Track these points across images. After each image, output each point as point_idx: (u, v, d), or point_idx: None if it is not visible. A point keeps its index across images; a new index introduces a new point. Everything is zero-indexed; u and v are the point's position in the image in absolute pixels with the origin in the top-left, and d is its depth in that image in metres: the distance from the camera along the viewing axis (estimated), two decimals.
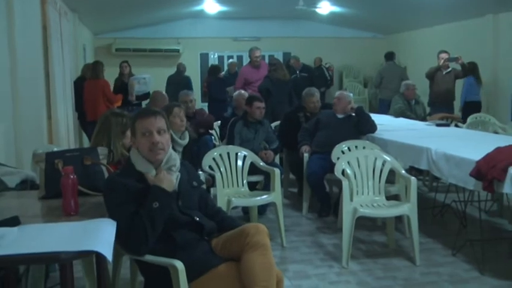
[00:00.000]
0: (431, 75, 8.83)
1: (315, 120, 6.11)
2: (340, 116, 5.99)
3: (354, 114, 5.99)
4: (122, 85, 9.12)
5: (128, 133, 3.46)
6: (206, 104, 13.30)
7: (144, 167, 2.70)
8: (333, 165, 4.86)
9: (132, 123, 2.79)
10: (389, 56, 10.59)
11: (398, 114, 7.73)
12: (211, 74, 10.40)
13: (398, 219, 4.99)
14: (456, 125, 7.29)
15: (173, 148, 2.86)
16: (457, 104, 9.14)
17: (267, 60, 9.94)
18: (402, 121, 7.29)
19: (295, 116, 6.49)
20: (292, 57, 12.79)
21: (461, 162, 4.23)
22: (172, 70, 11.84)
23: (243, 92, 7.00)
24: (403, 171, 4.68)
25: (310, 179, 5.64)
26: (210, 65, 11.52)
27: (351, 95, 6.29)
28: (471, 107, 8.73)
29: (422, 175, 7.09)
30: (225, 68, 13.18)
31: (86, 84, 8.23)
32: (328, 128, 5.89)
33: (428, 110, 8.59)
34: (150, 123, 2.70)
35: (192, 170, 3.02)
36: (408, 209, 4.33)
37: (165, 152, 2.73)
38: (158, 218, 2.55)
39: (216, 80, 10.05)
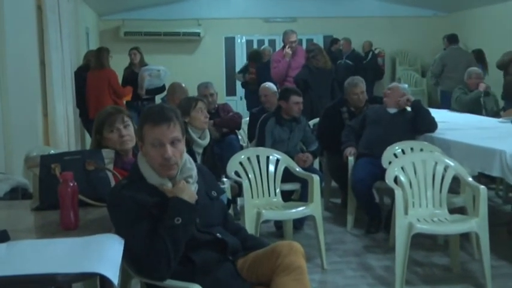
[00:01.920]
0: (505, 64, 8.71)
1: (361, 116, 6.07)
2: (392, 110, 5.95)
3: (408, 108, 5.94)
4: (132, 76, 9.19)
5: (109, 135, 3.47)
6: (230, 98, 13.41)
7: (156, 180, 2.69)
8: (383, 170, 4.82)
9: (139, 126, 2.74)
10: (453, 39, 10.47)
11: (462, 108, 7.65)
12: (255, 59, 10.51)
13: (465, 237, 4.93)
14: None
15: (191, 151, 2.86)
16: None
17: (304, 46, 9.93)
18: (469, 117, 7.21)
19: (337, 111, 6.46)
20: (342, 39, 12.75)
21: None
22: (192, 57, 11.86)
23: (268, 84, 6.97)
24: (470, 179, 4.62)
25: (356, 187, 5.61)
26: (249, 51, 11.58)
27: (406, 86, 6.24)
28: None
29: (495, 183, 6.99)
30: None
31: (89, 75, 8.33)
32: (378, 125, 5.86)
33: (502, 104, 8.47)
34: (162, 134, 2.64)
35: (209, 175, 3.02)
36: (476, 224, 4.27)
37: (179, 165, 2.71)
38: (181, 236, 2.56)
39: (265, 65, 10.08)
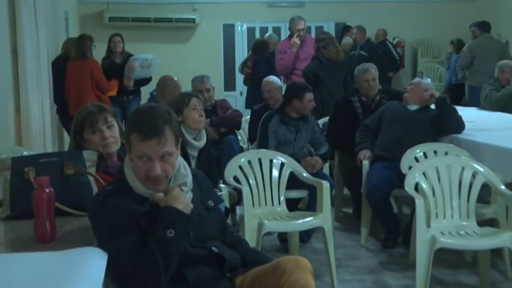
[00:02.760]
0: None
1: (378, 114, 6.07)
2: (412, 108, 5.95)
3: (432, 106, 5.93)
4: (113, 67, 9.15)
5: (90, 136, 3.45)
6: (229, 93, 13.40)
7: (144, 191, 2.68)
8: (402, 176, 4.83)
9: (127, 130, 2.71)
10: (484, 27, 10.46)
11: (493, 107, 7.64)
12: (258, 51, 10.49)
13: (496, 253, 4.93)
14: None
15: (185, 154, 2.85)
16: None
17: (313, 34, 9.91)
18: (501, 116, 7.20)
19: (348, 101, 6.49)
20: (355, 27, 12.75)
21: None
22: (186, 47, 11.83)
23: (272, 78, 6.96)
24: (503, 187, 4.62)
25: (371, 195, 5.61)
26: (254, 41, 11.63)
27: (429, 80, 6.24)
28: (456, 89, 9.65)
29: None
30: None
31: (69, 66, 8.32)
32: (396, 125, 5.86)
33: None
34: (151, 149, 2.60)
35: (206, 182, 3.01)
36: (510, 239, 4.27)
37: (169, 178, 2.69)
38: (174, 250, 2.55)
39: (264, 59, 10.08)
